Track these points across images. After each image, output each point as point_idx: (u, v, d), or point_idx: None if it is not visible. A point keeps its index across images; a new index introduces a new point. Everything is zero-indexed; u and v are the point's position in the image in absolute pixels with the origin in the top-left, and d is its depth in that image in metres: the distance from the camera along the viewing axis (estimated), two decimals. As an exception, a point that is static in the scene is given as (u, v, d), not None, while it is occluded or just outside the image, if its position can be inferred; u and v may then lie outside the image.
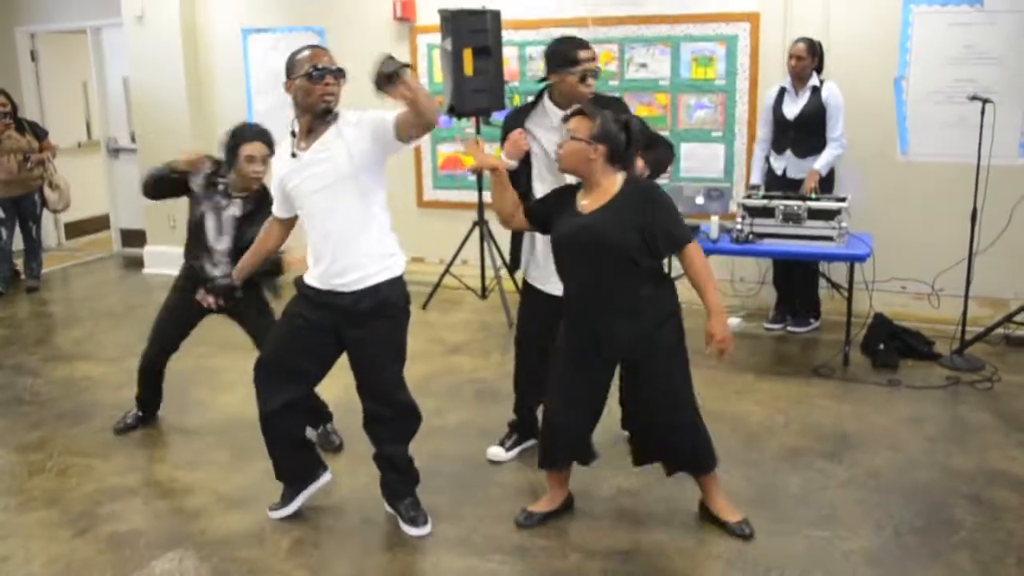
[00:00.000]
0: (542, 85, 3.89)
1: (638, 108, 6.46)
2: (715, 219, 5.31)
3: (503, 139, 3.79)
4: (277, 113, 7.31)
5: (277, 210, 3.51)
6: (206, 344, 5.03)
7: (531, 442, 4.11)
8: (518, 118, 3.89)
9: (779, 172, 5.73)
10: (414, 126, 3.21)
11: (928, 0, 5.72)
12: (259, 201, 4.13)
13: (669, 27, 6.32)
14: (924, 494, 3.73)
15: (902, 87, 5.86)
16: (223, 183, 4.18)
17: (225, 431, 4.51)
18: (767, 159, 5.82)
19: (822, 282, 5.94)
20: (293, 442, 3.63)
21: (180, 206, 4.47)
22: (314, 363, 3.45)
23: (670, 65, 6.36)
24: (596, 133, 3.18)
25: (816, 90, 5.51)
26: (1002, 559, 3.25)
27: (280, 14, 7.49)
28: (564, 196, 3.37)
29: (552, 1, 6.60)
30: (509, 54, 6.55)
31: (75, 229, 9.64)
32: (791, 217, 5.12)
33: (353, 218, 3.26)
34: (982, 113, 5.01)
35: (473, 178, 6.55)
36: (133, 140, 8.37)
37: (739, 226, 5.23)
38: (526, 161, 3.78)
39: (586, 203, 3.25)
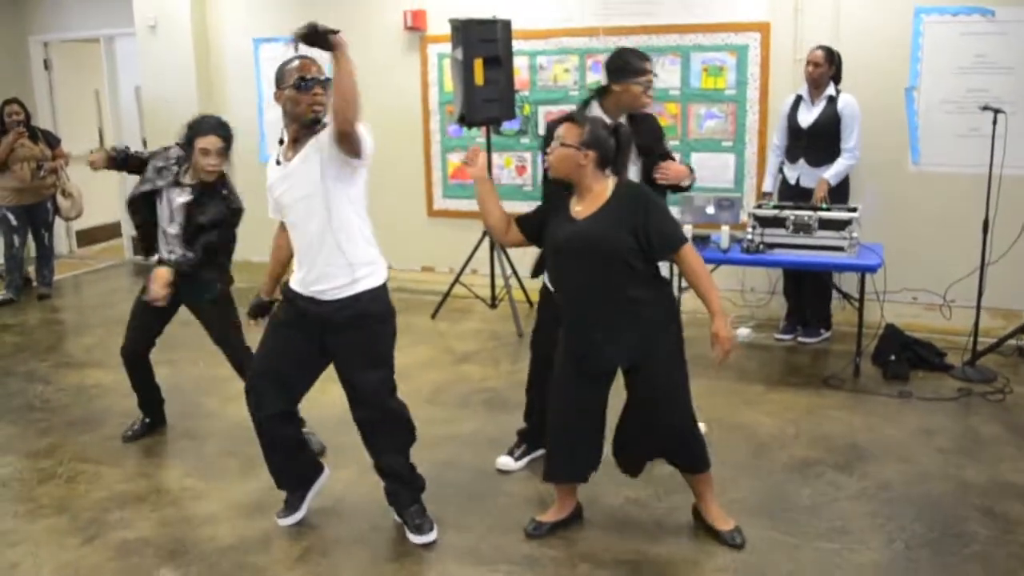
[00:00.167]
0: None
1: (648, 118, 6.47)
2: (726, 229, 5.30)
3: (545, 146, 3.75)
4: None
5: (274, 214, 3.52)
6: (216, 353, 5.03)
7: (540, 451, 4.09)
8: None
9: (792, 181, 5.72)
10: (337, 123, 3.12)
11: (939, 10, 5.71)
12: (210, 191, 4.18)
13: (679, 37, 6.33)
14: (935, 506, 3.70)
15: (913, 97, 5.84)
16: (174, 170, 4.24)
17: (234, 439, 4.51)
18: (781, 168, 5.81)
19: (833, 292, 5.91)
20: (292, 446, 3.64)
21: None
22: (303, 369, 3.46)
23: (680, 75, 6.36)
24: (586, 139, 3.19)
25: (832, 100, 5.50)
26: (1015, 572, 3.22)
27: (291, 23, 7.43)
28: (554, 204, 3.38)
29: (563, 11, 6.62)
30: (519, 64, 6.56)
31: (87, 237, 9.69)
32: (802, 227, 5.10)
33: (330, 227, 3.27)
34: (994, 123, 4.99)
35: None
36: (145, 148, 8.41)
37: (750, 236, 5.22)
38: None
39: (579, 209, 3.25)
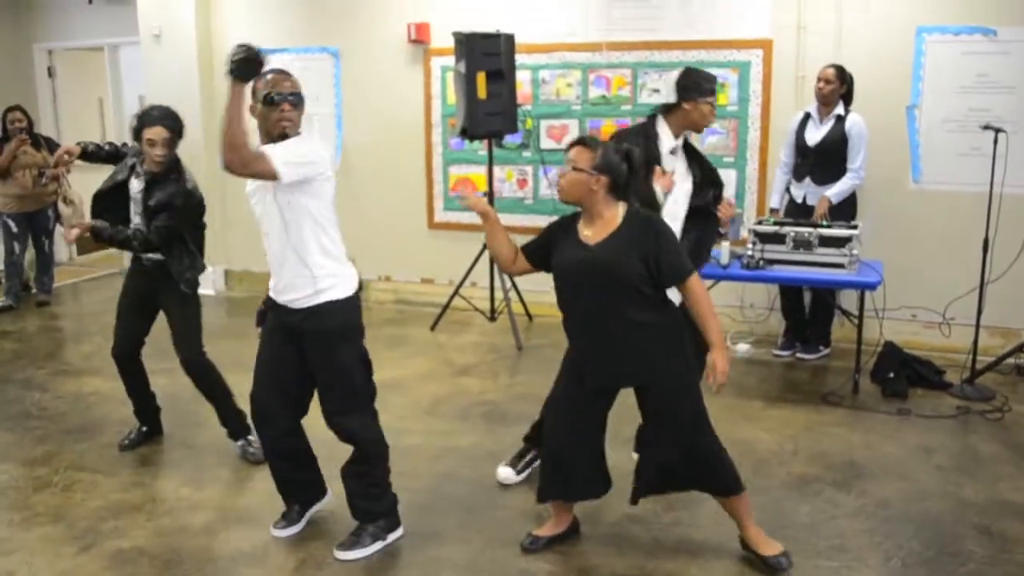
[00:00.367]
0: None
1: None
2: (726, 245, 5.30)
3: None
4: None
5: None
6: (214, 362, 5.03)
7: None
8: (645, 148, 3.93)
9: (799, 200, 5.73)
10: (224, 163, 3.05)
11: (941, 29, 5.73)
12: (162, 178, 4.19)
13: (682, 53, 6.34)
14: (933, 525, 3.69)
15: (915, 115, 5.86)
16: (131, 163, 4.30)
17: (230, 450, 4.50)
18: (788, 186, 5.82)
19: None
20: (303, 460, 3.68)
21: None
22: (299, 374, 3.47)
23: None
24: (598, 164, 3.16)
25: (840, 119, 5.51)
26: (1012, 592, 3.22)
27: (295, 34, 7.55)
28: (560, 229, 3.35)
29: (566, 25, 6.64)
30: (522, 78, 6.58)
31: (87, 244, 9.67)
32: (802, 244, 5.11)
33: (288, 240, 3.29)
34: (995, 142, 5.01)
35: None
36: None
37: (750, 252, 5.22)
38: None
39: (589, 233, 3.23)
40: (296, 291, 3.34)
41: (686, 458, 3.30)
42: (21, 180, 7.32)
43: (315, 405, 3.55)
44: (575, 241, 3.25)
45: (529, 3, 6.68)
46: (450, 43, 6.17)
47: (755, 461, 4.32)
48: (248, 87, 3.10)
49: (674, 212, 3.87)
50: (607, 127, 6.60)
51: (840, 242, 5.05)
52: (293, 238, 3.29)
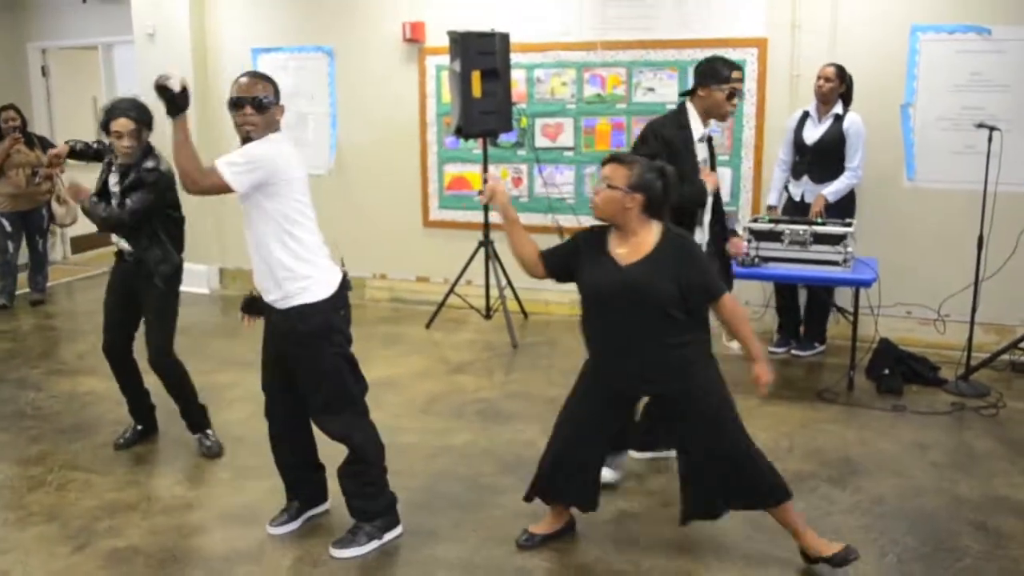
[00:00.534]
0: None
1: (645, 131, 6.49)
2: (721, 242, 5.30)
3: (652, 146, 3.73)
4: (287, 132, 7.35)
5: None
6: (209, 361, 5.04)
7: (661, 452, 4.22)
8: (679, 135, 3.96)
9: (796, 198, 5.74)
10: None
11: (936, 28, 5.74)
12: (136, 167, 4.18)
13: (677, 52, 6.35)
14: (929, 521, 3.70)
15: (909, 114, 5.87)
16: (109, 158, 4.34)
17: (227, 448, 4.49)
18: (786, 184, 5.83)
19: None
20: (308, 459, 3.72)
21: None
22: (276, 373, 3.50)
23: (678, 89, 6.38)
24: (633, 182, 3.11)
25: (839, 118, 5.52)
26: (1008, 588, 3.23)
27: (290, 34, 7.54)
28: (587, 243, 3.29)
29: (561, 24, 6.64)
30: (517, 76, 6.58)
31: (81, 243, 9.67)
32: (797, 241, 5.11)
33: (261, 240, 3.30)
34: (989, 140, 5.02)
35: (479, 198, 6.55)
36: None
37: (745, 250, 5.22)
38: None
39: (623, 252, 3.18)
40: (268, 293, 3.38)
41: (732, 471, 3.21)
42: (15, 179, 7.30)
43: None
44: (607, 259, 3.19)
45: (524, 2, 6.68)
46: (445, 42, 6.16)
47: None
48: (188, 116, 3.18)
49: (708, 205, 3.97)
50: (602, 126, 6.61)
51: (835, 240, 5.06)
52: (257, 241, 3.31)
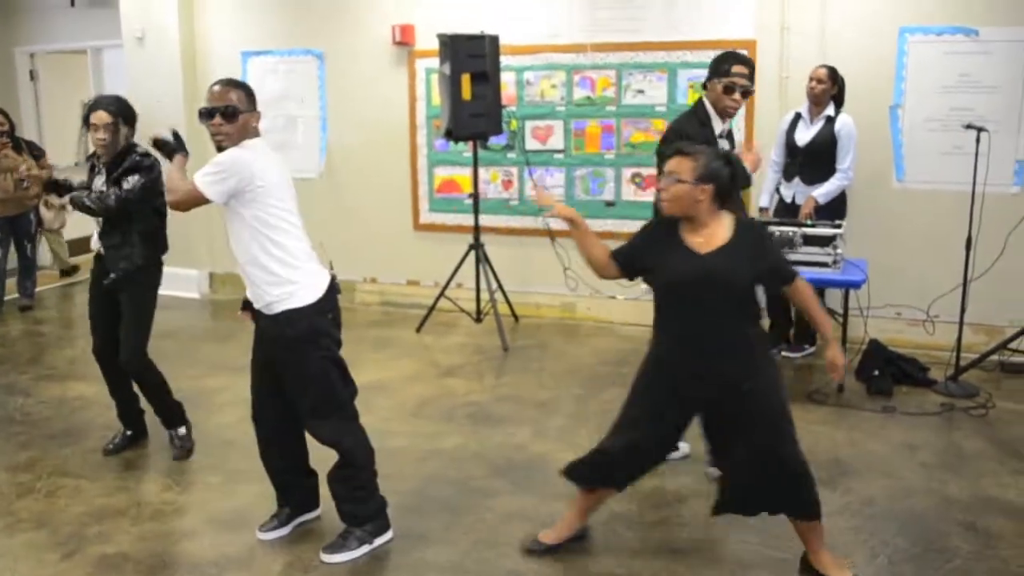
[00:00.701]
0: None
1: (635, 133, 6.50)
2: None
3: (661, 158, 3.63)
4: (277, 135, 7.37)
5: None
6: (199, 365, 5.02)
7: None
8: (701, 132, 3.96)
9: (788, 200, 5.75)
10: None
11: (923, 29, 5.76)
12: (120, 160, 4.19)
13: (666, 54, 6.36)
14: (918, 522, 3.71)
15: (898, 115, 5.89)
16: (92, 162, 4.36)
17: (216, 453, 4.48)
18: (778, 186, 5.84)
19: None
20: (299, 464, 3.71)
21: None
22: (265, 377, 3.50)
23: (667, 91, 6.39)
24: (701, 174, 3.06)
25: (830, 120, 5.53)
26: (997, 588, 3.23)
27: (279, 37, 7.53)
28: (657, 235, 3.24)
29: (550, 27, 6.64)
30: (507, 79, 6.58)
31: (70, 248, 9.62)
32: (786, 242, 5.11)
33: (243, 245, 3.31)
34: (977, 141, 5.04)
35: (469, 201, 6.56)
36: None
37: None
38: None
39: (700, 241, 3.13)
40: (256, 299, 3.38)
41: (777, 472, 3.15)
42: (2, 184, 7.26)
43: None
44: (683, 249, 3.14)
45: (513, 4, 6.68)
46: (434, 45, 6.16)
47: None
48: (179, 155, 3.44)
49: None
50: (592, 128, 6.61)
51: (824, 241, 5.07)
52: (240, 248, 3.31)
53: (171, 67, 7.70)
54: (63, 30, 8.97)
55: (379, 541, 3.56)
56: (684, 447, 4.10)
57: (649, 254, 3.24)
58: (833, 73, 5.52)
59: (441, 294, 6.65)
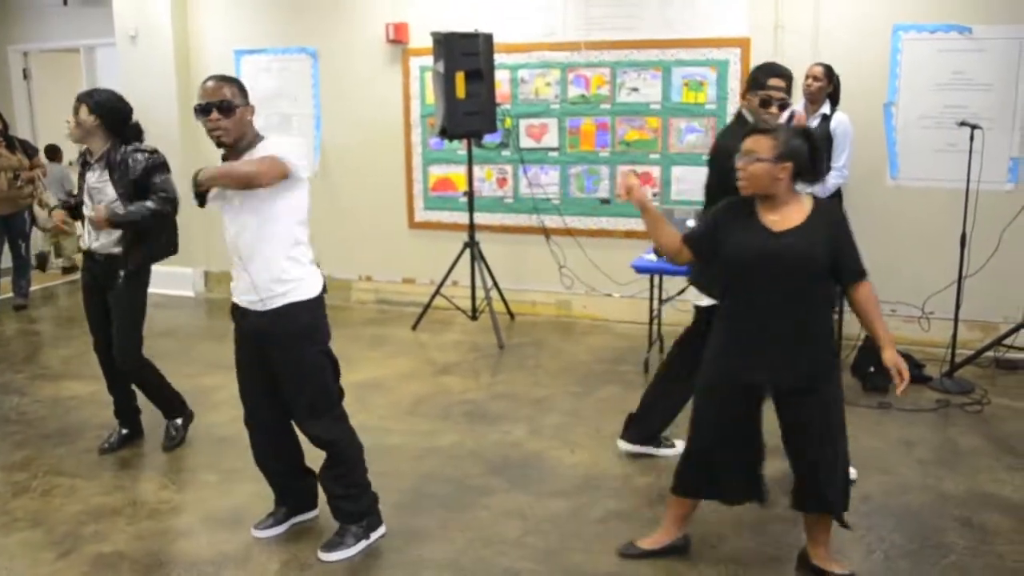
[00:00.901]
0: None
1: (629, 131, 6.51)
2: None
3: (723, 164, 3.52)
4: (269, 134, 7.33)
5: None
6: (194, 364, 5.01)
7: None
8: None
9: None
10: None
11: (917, 27, 5.77)
12: (111, 155, 4.20)
13: (660, 52, 6.36)
14: (915, 518, 3.72)
15: (892, 113, 5.90)
16: (84, 158, 4.36)
17: (212, 451, 4.48)
18: None
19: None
20: (295, 465, 3.70)
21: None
22: (256, 378, 3.46)
23: (661, 89, 6.39)
24: (781, 151, 2.99)
25: (826, 118, 5.53)
26: (993, 583, 3.24)
27: (273, 35, 7.52)
28: (730, 214, 3.15)
29: (544, 25, 6.64)
30: (501, 77, 6.58)
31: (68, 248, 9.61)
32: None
33: (262, 238, 3.26)
34: (971, 139, 5.05)
35: (464, 199, 6.56)
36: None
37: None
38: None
39: (775, 219, 3.05)
40: (252, 293, 3.30)
41: (827, 468, 3.12)
42: (-4, 183, 7.26)
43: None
44: (758, 227, 3.06)
45: (508, 2, 6.68)
46: (428, 43, 6.16)
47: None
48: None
49: None
50: (586, 126, 6.61)
51: (819, 238, 5.07)
52: (254, 241, 3.26)
53: (164, 65, 7.69)
54: (56, 29, 8.95)
55: (374, 536, 3.56)
56: (680, 444, 4.10)
57: (721, 233, 3.15)
58: (829, 71, 5.52)
59: (436, 292, 6.65)
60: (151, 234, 4.27)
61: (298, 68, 7.45)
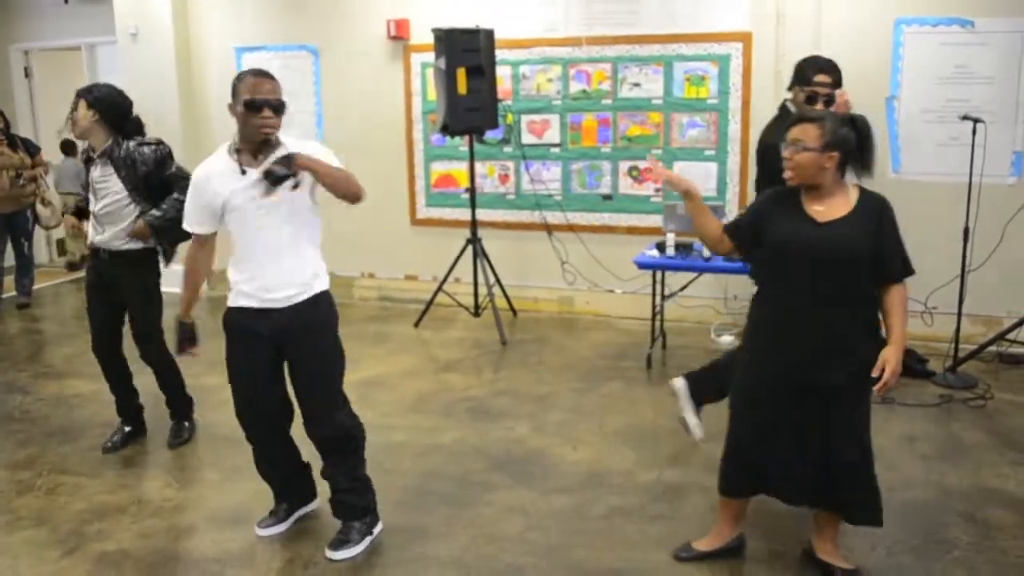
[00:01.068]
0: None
1: (631, 127, 6.50)
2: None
3: (770, 159, 3.54)
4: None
5: (200, 227, 3.46)
6: (196, 363, 4.98)
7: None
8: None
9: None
10: (347, 200, 3.39)
11: (919, 20, 5.76)
12: (111, 151, 4.22)
13: (662, 47, 6.35)
14: (918, 513, 3.72)
15: (894, 106, 5.88)
16: (87, 154, 4.34)
17: (216, 450, 4.48)
18: None
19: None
20: (296, 462, 3.71)
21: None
22: (277, 387, 3.48)
23: (663, 84, 6.38)
24: (828, 140, 2.94)
25: None
26: (996, 578, 3.24)
27: (273, 32, 7.51)
28: (773, 204, 3.12)
29: (546, 20, 6.63)
30: (502, 73, 6.57)
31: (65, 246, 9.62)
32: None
33: (300, 235, 3.32)
34: (973, 132, 5.04)
35: (466, 196, 6.55)
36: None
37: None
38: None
39: (821, 209, 3.00)
40: (291, 288, 3.31)
41: (846, 468, 3.07)
42: (-1, 181, 7.27)
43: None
44: (801, 216, 3.01)
45: (509, -2, 6.68)
46: (430, 39, 6.15)
47: (740, 452, 4.33)
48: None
49: None
50: (588, 122, 6.60)
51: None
52: (304, 231, 3.33)
53: (165, 63, 7.69)
54: (57, 27, 8.94)
55: (376, 531, 3.56)
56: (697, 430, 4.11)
57: (763, 223, 3.11)
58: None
59: (439, 289, 6.65)
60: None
61: (299, 65, 7.44)
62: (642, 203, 6.58)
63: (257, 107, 3.19)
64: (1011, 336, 5.35)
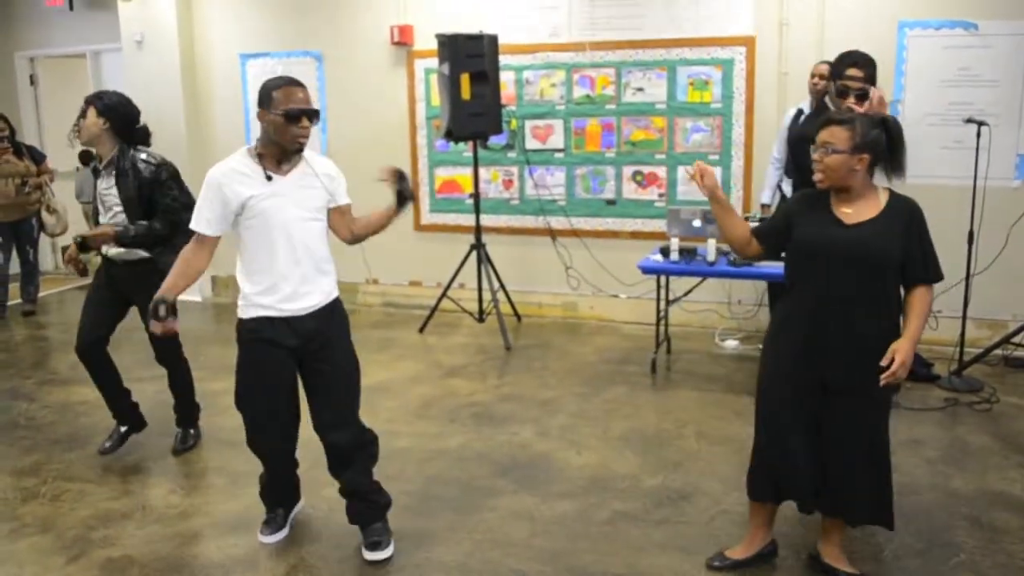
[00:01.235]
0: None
1: (635, 131, 6.50)
2: (712, 242, 5.32)
3: (801, 147, 3.59)
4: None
5: (209, 228, 3.30)
6: (202, 368, 5.00)
7: None
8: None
9: (789, 196, 5.73)
10: (352, 240, 3.63)
11: (923, 24, 5.76)
12: (118, 161, 4.24)
13: (665, 51, 6.36)
14: (924, 517, 3.71)
15: (898, 110, 5.88)
16: (94, 164, 4.39)
17: (220, 455, 4.49)
18: (780, 182, 5.83)
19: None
20: (294, 466, 3.72)
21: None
22: (296, 399, 3.46)
23: (667, 89, 6.39)
24: (858, 143, 2.93)
25: None
26: (1003, 583, 3.23)
27: (278, 39, 7.53)
28: (803, 205, 3.11)
29: (549, 26, 6.64)
30: (506, 78, 6.58)
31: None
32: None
33: (321, 242, 3.38)
34: (978, 136, 5.03)
35: (470, 202, 6.56)
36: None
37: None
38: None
39: (849, 211, 2.99)
40: (316, 296, 3.32)
41: (855, 472, 3.07)
42: (4, 189, 7.28)
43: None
44: (829, 218, 3.00)
45: (512, 4, 6.68)
46: (433, 45, 6.16)
47: (745, 456, 4.28)
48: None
49: None
50: (592, 127, 6.61)
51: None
52: (321, 245, 3.38)
53: (170, 70, 7.72)
54: (62, 34, 8.98)
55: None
56: None
57: (791, 226, 3.09)
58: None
59: (443, 295, 6.66)
60: (177, 236, 4.27)
61: (303, 71, 7.46)
62: (646, 208, 6.58)
63: (295, 117, 3.20)
64: (1016, 340, 5.34)
